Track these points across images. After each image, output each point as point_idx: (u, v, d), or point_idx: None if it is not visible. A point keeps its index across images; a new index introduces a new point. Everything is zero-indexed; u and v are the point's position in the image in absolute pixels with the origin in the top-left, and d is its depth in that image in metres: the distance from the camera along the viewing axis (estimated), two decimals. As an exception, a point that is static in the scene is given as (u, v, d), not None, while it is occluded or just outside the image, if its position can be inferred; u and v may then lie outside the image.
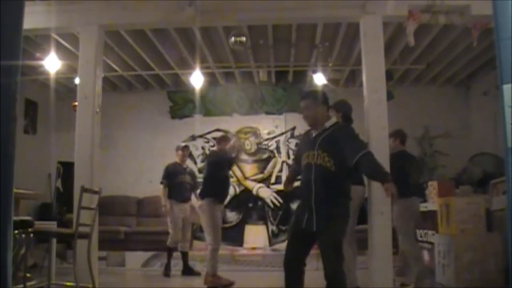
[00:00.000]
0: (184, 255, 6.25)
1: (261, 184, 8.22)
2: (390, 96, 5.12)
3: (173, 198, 6.22)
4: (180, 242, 6.23)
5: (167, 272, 6.12)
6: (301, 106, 3.42)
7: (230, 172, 6.24)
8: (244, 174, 8.29)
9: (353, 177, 4.11)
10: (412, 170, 4.93)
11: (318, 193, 3.14)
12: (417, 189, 5.06)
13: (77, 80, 4.99)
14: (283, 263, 3.23)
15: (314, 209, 3.12)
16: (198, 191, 5.80)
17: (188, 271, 6.20)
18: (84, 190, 3.93)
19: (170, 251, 6.21)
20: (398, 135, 4.97)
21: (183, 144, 6.71)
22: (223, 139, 5.74)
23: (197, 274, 6.08)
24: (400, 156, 4.74)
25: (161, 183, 6.33)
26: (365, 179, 4.36)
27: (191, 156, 8.34)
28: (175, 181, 6.27)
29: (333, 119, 3.44)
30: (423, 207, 5.84)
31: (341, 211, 3.19)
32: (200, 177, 6.47)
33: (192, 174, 6.61)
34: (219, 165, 5.36)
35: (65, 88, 7.86)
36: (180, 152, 6.48)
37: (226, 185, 5.49)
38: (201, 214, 5.28)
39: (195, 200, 5.78)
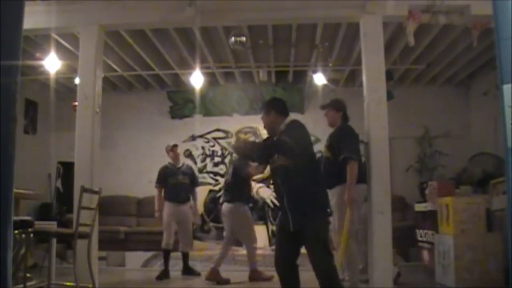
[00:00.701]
0: (185, 256, 6.19)
1: (261, 184, 8.21)
2: (390, 96, 5.10)
3: (167, 200, 6.12)
4: (180, 243, 6.15)
5: (162, 275, 5.89)
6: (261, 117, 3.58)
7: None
8: (244, 174, 8.28)
9: (358, 176, 4.13)
10: None
11: (288, 193, 3.23)
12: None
13: (77, 80, 4.99)
14: (274, 265, 3.27)
15: (288, 209, 3.20)
16: (227, 196, 5.67)
17: (188, 271, 6.16)
18: (84, 190, 3.93)
19: (165, 253, 6.06)
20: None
21: (172, 143, 6.42)
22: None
23: (197, 274, 6.06)
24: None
25: (155, 186, 6.25)
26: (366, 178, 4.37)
27: (191, 156, 8.36)
28: (168, 182, 6.15)
29: (286, 121, 3.46)
30: (423, 207, 5.84)
31: (316, 206, 3.22)
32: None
33: (188, 173, 6.37)
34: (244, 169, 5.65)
35: (65, 88, 7.86)
36: (171, 153, 6.31)
37: (250, 186, 5.94)
38: (233, 217, 5.52)
39: (226, 204, 5.54)
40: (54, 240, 4.49)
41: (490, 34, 4.56)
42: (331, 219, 3.76)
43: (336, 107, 4.53)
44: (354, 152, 4.17)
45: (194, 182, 6.40)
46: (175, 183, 6.16)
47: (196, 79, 7.01)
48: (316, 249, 3.11)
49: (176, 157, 6.34)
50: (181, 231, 6.16)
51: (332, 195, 4.07)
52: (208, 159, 8.40)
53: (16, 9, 1.60)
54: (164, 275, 5.93)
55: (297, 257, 3.27)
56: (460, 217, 4.64)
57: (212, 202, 8.25)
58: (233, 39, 5.84)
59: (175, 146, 6.38)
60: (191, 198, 6.33)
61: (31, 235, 3.67)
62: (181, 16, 4.56)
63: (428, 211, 5.55)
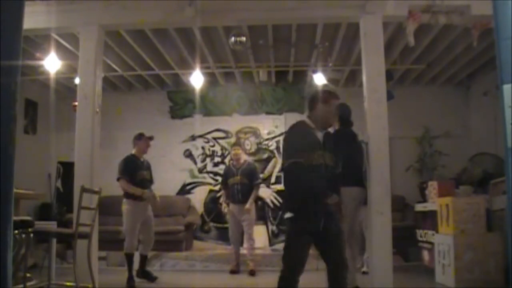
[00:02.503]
0: (143, 258, 5.57)
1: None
2: (390, 96, 5.10)
3: (132, 198, 5.42)
4: (140, 244, 5.52)
5: (131, 285, 5.22)
6: (335, 104, 3.36)
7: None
8: (244, 174, 8.27)
9: (351, 178, 4.13)
10: None
11: (327, 193, 3.16)
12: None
13: (77, 80, 4.99)
14: (294, 270, 3.09)
15: (325, 209, 3.13)
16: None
17: (144, 273, 5.52)
18: (84, 190, 3.93)
19: (129, 258, 5.35)
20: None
21: (148, 135, 5.71)
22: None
23: (154, 278, 5.50)
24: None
25: (119, 179, 5.47)
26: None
27: (191, 156, 8.36)
28: (136, 177, 5.46)
29: None
30: (423, 207, 5.84)
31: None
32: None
33: (150, 169, 5.72)
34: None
35: (65, 88, 7.85)
36: (144, 143, 5.60)
37: (233, 188, 6.30)
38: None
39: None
40: (54, 240, 4.50)
41: (490, 34, 4.56)
42: None
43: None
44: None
45: (151, 179, 5.77)
46: (142, 179, 5.52)
47: (196, 79, 7.01)
48: (341, 243, 3.22)
49: (145, 150, 5.64)
50: (143, 232, 5.51)
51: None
52: (208, 159, 8.40)
53: (16, 9, 1.59)
54: (130, 283, 5.23)
55: None
56: (460, 217, 4.64)
57: (212, 202, 8.25)
58: (233, 39, 5.84)
59: (151, 138, 5.70)
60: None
61: (31, 235, 3.68)
62: (181, 16, 4.56)
63: (428, 211, 5.56)
